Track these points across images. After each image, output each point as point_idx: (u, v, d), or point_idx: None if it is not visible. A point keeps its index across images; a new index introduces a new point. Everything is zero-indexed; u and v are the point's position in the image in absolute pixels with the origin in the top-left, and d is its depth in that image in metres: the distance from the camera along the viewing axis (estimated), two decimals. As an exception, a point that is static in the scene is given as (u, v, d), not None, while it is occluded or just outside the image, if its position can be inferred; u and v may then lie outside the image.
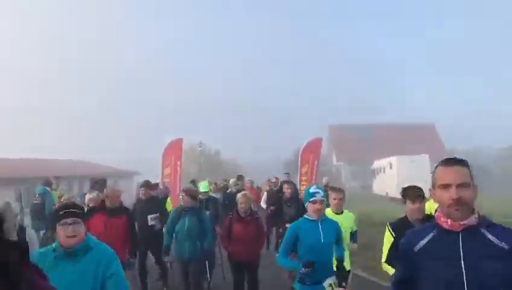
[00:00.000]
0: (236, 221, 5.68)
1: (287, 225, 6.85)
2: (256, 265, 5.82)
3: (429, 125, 49.00)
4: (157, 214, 7.27)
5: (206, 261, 6.10)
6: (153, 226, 7.18)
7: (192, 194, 5.92)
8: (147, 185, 7.64)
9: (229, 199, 9.73)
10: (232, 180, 11.34)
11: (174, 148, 18.38)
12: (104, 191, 5.72)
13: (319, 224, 3.93)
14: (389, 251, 3.64)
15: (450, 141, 47.47)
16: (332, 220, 4.16)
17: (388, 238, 3.71)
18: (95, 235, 4.81)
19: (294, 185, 7.70)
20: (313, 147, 16.00)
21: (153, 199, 7.56)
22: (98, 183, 9.80)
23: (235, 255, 5.66)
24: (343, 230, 4.36)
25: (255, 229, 5.68)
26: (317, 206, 3.89)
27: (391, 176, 28.18)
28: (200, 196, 7.52)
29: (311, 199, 3.90)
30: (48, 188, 9.39)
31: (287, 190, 7.34)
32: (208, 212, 7.38)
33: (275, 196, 10.19)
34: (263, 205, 11.00)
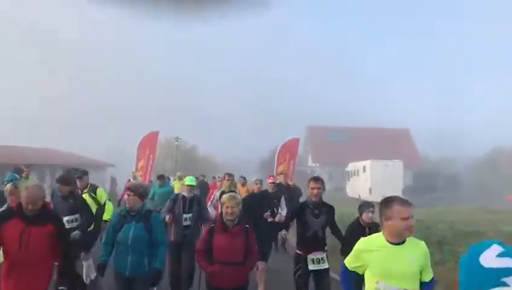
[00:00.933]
0: (219, 232, 4.29)
1: (314, 256, 5.06)
2: None
3: (404, 131, 49.88)
4: (77, 215, 5.82)
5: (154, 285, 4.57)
6: (71, 230, 5.58)
7: (141, 193, 4.51)
8: (61, 178, 5.98)
9: (254, 201, 7.13)
10: (253, 179, 8.18)
11: (150, 141, 18.27)
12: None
13: None
14: None
15: (424, 148, 48.47)
16: None
17: None
18: (9, 249, 3.74)
19: (324, 184, 5.37)
20: (290, 147, 16.15)
21: (71, 195, 5.90)
22: (71, 173, 9.53)
23: (216, 278, 4.26)
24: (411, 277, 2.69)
25: (244, 243, 4.31)
26: None
27: (364, 179, 28.62)
28: (184, 193, 6.38)
29: None
30: (17, 176, 9.15)
31: (313, 191, 5.05)
32: (189, 215, 6.23)
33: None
34: None
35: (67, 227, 5.31)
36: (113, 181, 29.95)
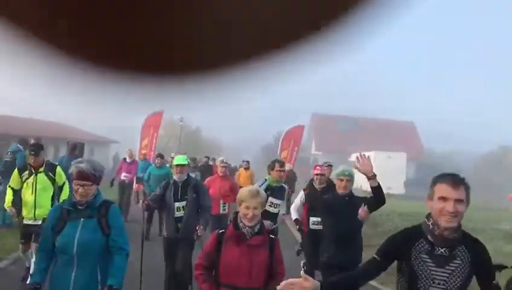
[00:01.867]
0: (231, 242, 2.94)
1: None
2: None
3: (409, 124, 49.66)
4: None
5: None
6: None
7: (99, 177, 3.03)
8: None
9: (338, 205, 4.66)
10: (338, 171, 4.84)
11: (154, 120, 18.30)
12: None
13: None
14: None
15: (430, 141, 48.33)
16: None
17: None
18: None
19: (469, 193, 2.32)
20: (295, 134, 16.12)
21: None
22: (77, 147, 9.56)
23: None
24: None
25: (266, 260, 2.95)
26: None
27: (367, 170, 28.63)
28: (175, 177, 5.03)
29: None
30: (21, 147, 9.22)
31: (444, 206, 2.21)
32: (182, 204, 4.89)
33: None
34: (294, 214, 6.00)
35: None
36: (117, 159, 29.75)
